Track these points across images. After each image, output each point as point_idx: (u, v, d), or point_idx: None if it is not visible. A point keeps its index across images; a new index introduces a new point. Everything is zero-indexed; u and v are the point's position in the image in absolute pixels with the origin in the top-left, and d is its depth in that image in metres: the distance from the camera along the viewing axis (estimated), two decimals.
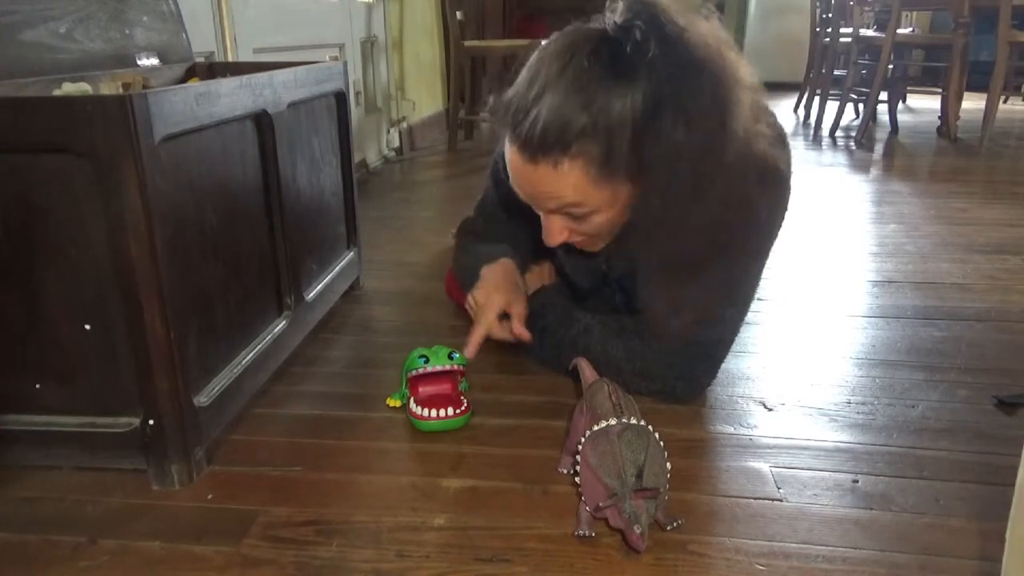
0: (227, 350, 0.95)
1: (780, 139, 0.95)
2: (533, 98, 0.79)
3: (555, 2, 5.43)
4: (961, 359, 1.17)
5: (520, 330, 1.04)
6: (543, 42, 0.84)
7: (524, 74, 0.83)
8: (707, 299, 0.94)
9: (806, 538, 0.76)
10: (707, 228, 0.84)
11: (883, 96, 3.61)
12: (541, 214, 0.92)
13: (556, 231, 0.91)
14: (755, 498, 0.83)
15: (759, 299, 1.42)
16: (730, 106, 0.79)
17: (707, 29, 0.80)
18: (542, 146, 0.79)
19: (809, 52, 4.37)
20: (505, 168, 0.95)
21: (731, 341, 1.03)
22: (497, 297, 1.04)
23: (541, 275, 1.21)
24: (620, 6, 0.81)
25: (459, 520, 0.79)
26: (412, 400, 0.97)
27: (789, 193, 0.97)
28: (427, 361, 0.96)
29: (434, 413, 0.95)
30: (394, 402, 1.02)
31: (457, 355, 0.99)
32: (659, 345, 1.00)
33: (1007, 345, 1.22)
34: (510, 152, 0.85)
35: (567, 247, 0.99)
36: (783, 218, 0.98)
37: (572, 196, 0.84)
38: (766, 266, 1.04)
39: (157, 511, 0.81)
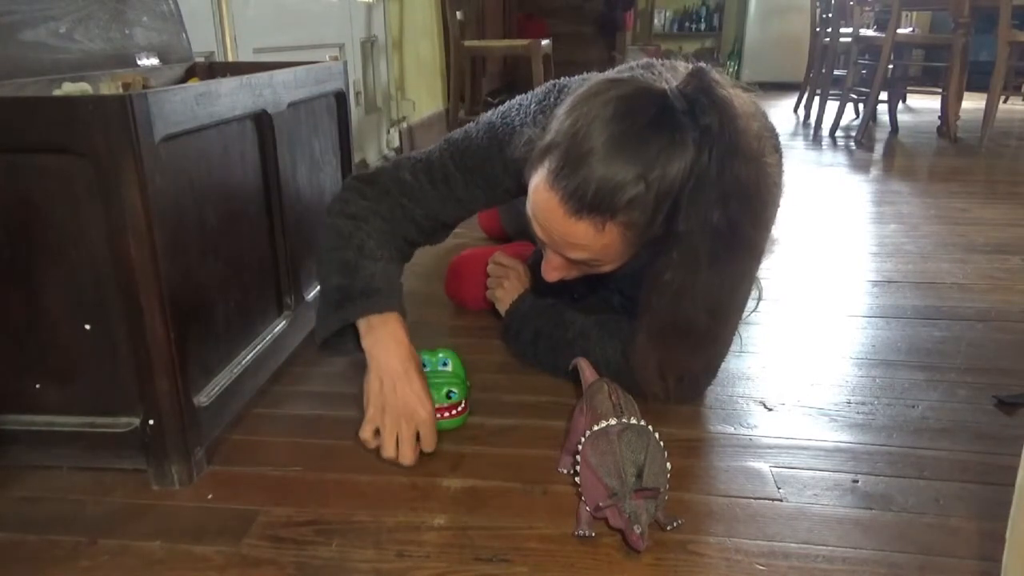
0: (227, 350, 0.95)
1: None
2: (584, 154, 0.77)
3: (555, 2, 5.46)
4: (961, 359, 1.17)
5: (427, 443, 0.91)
6: (588, 84, 0.83)
7: (571, 120, 0.79)
8: (693, 362, 0.97)
9: (806, 538, 0.76)
10: (713, 298, 0.85)
11: (883, 96, 3.61)
12: (546, 250, 0.90)
13: (559, 270, 0.90)
14: (755, 498, 0.83)
15: (759, 299, 1.42)
16: (764, 198, 0.81)
17: (751, 109, 0.81)
18: (591, 207, 0.78)
19: (809, 52, 4.37)
20: (479, 148, 1.00)
21: (730, 343, 1.03)
22: (405, 423, 0.89)
23: (519, 278, 1.19)
24: (680, 70, 0.81)
25: (459, 520, 0.79)
26: None
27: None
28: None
29: None
30: None
31: (456, 393, 0.95)
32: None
33: (1007, 345, 1.22)
34: (544, 193, 0.81)
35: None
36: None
37: (599, 253, 0.83)
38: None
39: (157, 511, 0.81)
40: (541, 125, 0.89)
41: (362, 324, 0.93)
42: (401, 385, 0.89)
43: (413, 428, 0.89)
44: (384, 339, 0.92)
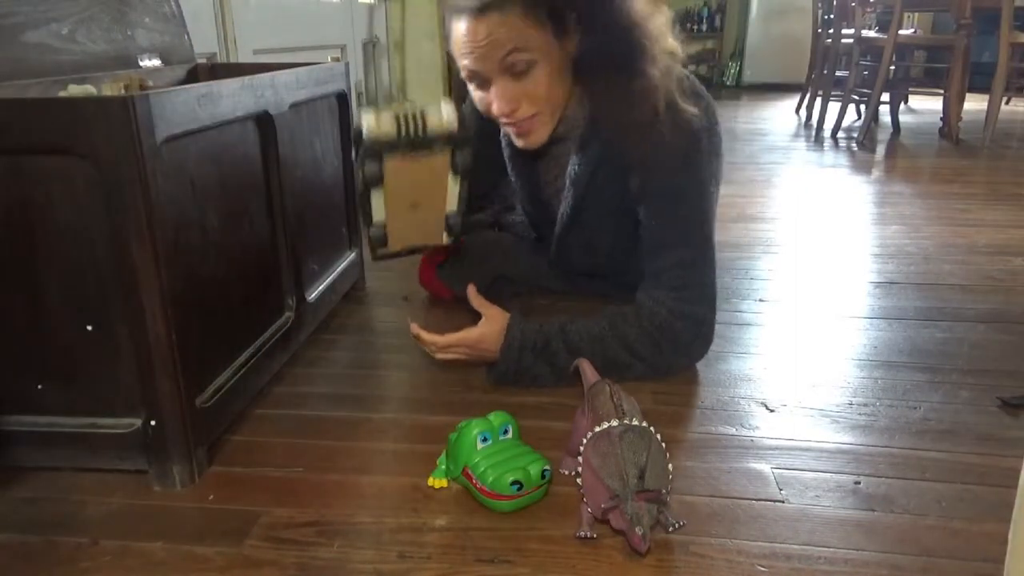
0: (228, 351, 0.95)
1: (695, 93, 1.06)
2: None
3: None
4: (963, 360, 1.17)
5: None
6: None
7: None
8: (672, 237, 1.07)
9: (808, 539, 0.76)
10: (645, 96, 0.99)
11: (885, 97, 3.61)
12: (493, 86, 1.00)
13: (502, 97, 1.00)
14: (757, 499, 0.83)
15: (761, 300, 1.43)
16: (648, 25, 0.98)
17: None
18: (487, 4, 0.93)
19: (811, 53, 4.37)
20: None
21: (712, 301, 1.08)
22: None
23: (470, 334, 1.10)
24: None
25: (460, 521, 0.79)
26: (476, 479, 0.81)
27: (713, 141, 1.07)
28: (520, 488, 0.79)
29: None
30: (439, 482, 0.85)
31: (549, 470, 0.81)
32: (643, 331, 1.05)
33: (1010, 346, 1.22)
34: (457, 28, 0.97)
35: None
36: (713, 166, 1.08)
37: (515, 40, 0.95)
38: (713, 228, 1.10)
39: (159, 512, 0.81)
40: None
41: None
42: None
43: None
44: None
